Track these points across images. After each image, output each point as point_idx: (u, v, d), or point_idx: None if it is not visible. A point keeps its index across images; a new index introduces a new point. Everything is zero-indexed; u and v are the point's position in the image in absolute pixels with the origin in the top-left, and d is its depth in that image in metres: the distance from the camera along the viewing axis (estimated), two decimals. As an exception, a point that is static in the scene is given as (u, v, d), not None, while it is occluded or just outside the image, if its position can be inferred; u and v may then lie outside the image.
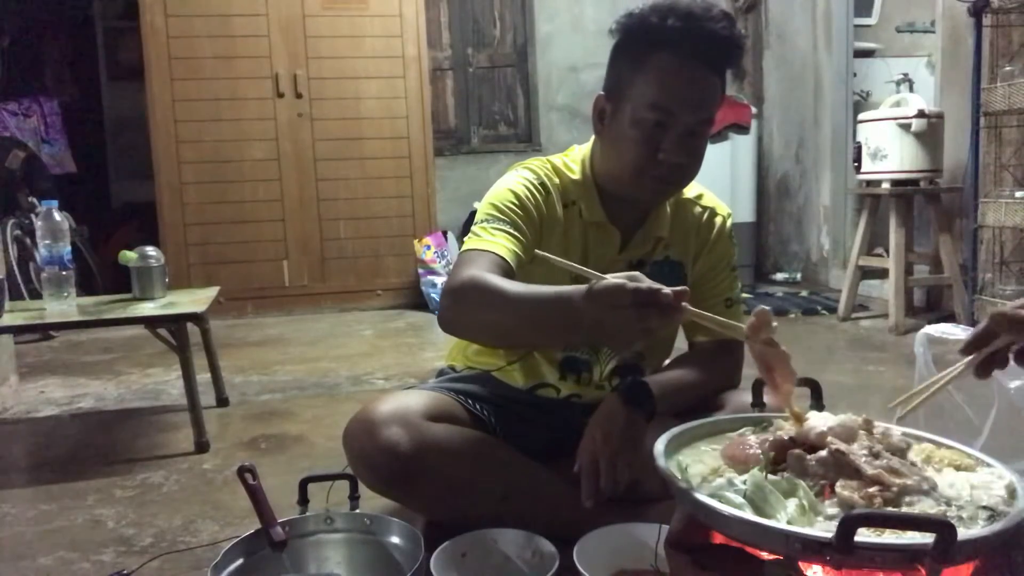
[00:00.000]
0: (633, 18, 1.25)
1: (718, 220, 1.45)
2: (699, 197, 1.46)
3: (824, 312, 3.70)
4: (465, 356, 1.53)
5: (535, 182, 1.34)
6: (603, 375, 1.44)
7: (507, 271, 1.21)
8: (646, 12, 1.24)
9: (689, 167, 1.27)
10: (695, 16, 1.20)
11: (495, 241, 1.25)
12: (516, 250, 1.25)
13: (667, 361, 1.48)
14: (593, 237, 1.37)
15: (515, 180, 1.34)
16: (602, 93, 1.31)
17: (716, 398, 1.36)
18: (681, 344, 1.51)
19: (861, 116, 3.47)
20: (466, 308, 1.15)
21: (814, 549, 0.72)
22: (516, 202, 1.30)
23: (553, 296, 1.03)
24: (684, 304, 0.93)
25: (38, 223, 2.18)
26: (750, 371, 1.43)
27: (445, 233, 4.41)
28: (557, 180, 1.37)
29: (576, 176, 1.37)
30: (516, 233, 1.27)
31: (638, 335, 0.94)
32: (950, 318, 3.15)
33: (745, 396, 1.27)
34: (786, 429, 0.95)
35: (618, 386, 1.25)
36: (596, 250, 1.38)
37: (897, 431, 0.95)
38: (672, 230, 1.41)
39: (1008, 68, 2.71)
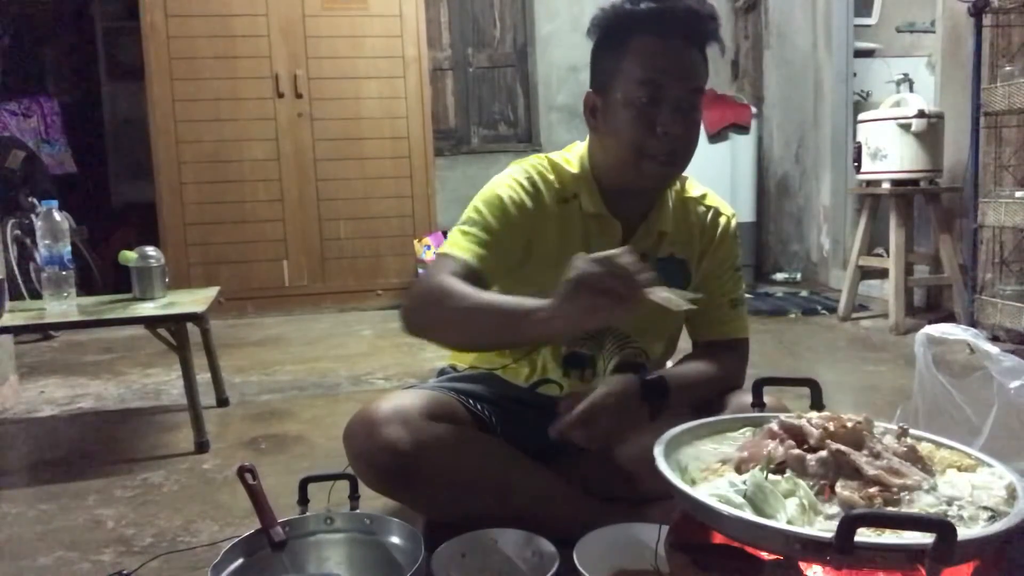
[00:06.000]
0: (607, 11, 1.31)
1: (722, 220, 1.46)
2: (703, 197, 1.47)
3: (824, 312, 3.70)
4: (467, 356, 1.54)
5: (523, 181, 1.35)
6: (606, 371, 1.44)
7: (476, 277, 1.23)
8: (618, 2, 1.29)
9: (687, 141, 1.29)
10: None
11: (467, 247, 1.27)
12: (486, 254, 1.27)
13: (670, 362, 1.49)
14: (594, 230, 1.37)
15: (503, 181, 1.35)
16: (590, 91, 1.34)
17: (719, 398, 1.36)
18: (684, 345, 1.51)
19: (861, 116, 3.46)
20: (424, 311, 1.20)
21: (814, 549, 0.72)
22: (499, 205, 1.31)
23: (513, 305, 1.10)
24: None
25: (38, 223, 2.18)
26: (751, 371, 1.43)
27: (445, 233, 4.40)
28: (552, 176, 1.38)
29: (575, 170, 1.38)
30: (490, 238, 1.28)
31: (597, 320, 1.06)
32: (950, 318, 3.15)
33: (745, 396, 1.28)
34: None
35: (641, 375, 1.28)
36: (597, 244, 1.37)
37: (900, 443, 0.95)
38: (675, 226, 1.41)
39: (1008, 68, 2.70)
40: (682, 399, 1.30)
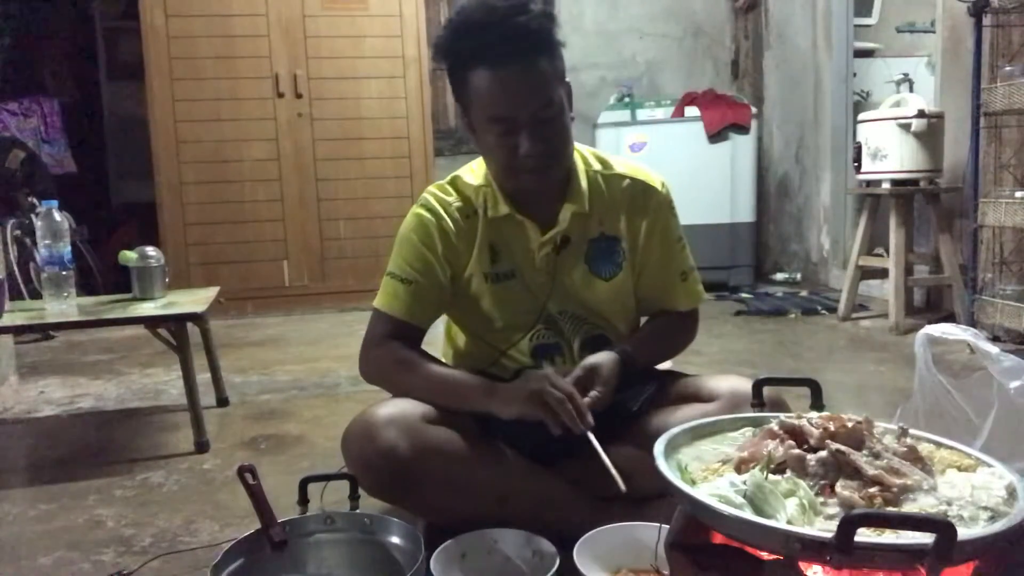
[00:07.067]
0: (438, 48, 1.31)
1: (651, 192, 1.45)
2: (625, 172, 1.47)
3: (824, 312, 3.70)
4: (447, 358, 1.57)
5: (424, 214, 1.41)
6: (576, 351, 1.44)
7: (414, 331, 1.40)
8: (444, 40, 1.30)
9: (554, 150, 1.31)
10: (484, 24, 1.24)
11: (397, 303, 1.39)
12: (414, 303, 1.38)
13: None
14: (508, 232, 1.41)
15: (409, 220, 1.43)
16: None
17: (711, 389, 1.36)
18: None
19: (861, 116, 3.46)
20: (385, 376, 1.40)
21: (814, 549, 0.72)
22: (411, 247, 1.40)
23: (466, 390, 1.32)
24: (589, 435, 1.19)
25: (38, 223, 2.18)
26: (751, 371, 1.43)
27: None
28: (451, 196, 1.42)
29: (477, 182, 1.42)
30: (413, 285, 1.38)
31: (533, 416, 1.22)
32: (950, 318, 3.14)
33: (743, 386, 1.27)
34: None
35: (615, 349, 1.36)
36: (514, 243, 1.41)
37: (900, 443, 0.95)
38: (601, 205, 1.42)
39: (1008, 68, 2.70)
40: (646, 359, 1.41)
